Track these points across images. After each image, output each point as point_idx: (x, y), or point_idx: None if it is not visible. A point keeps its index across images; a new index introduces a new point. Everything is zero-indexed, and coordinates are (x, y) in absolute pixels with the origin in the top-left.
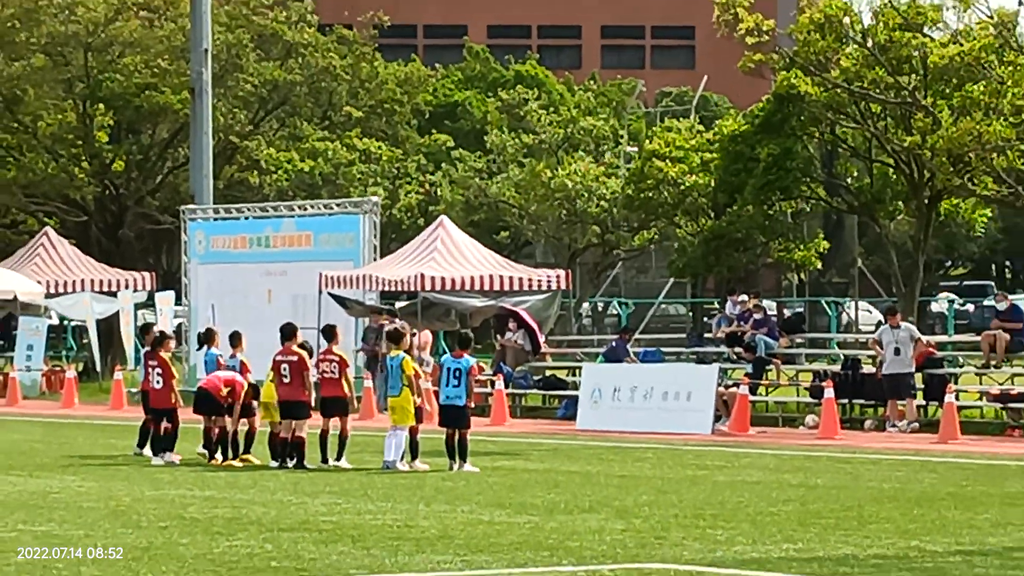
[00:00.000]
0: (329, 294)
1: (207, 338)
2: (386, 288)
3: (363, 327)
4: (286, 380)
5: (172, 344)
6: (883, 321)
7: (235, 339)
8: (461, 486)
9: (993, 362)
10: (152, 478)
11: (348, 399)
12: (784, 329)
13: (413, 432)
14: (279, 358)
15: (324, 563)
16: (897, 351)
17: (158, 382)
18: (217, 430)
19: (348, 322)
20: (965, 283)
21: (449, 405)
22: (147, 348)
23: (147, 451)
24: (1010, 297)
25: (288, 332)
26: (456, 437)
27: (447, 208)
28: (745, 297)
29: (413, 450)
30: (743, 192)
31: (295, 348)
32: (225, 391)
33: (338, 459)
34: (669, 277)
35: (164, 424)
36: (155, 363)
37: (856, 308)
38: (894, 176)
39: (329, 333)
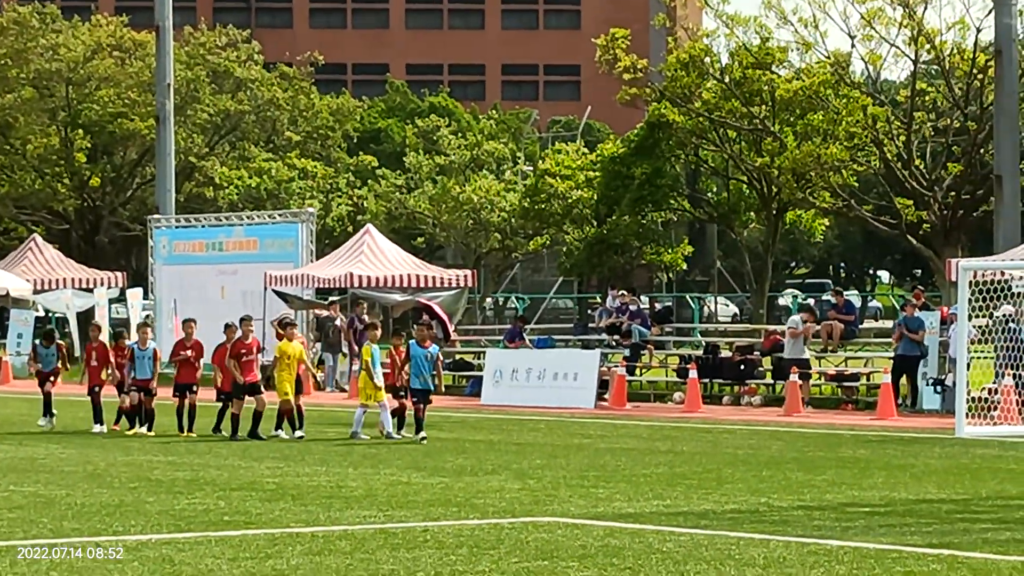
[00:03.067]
0: (273, 290)
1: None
2: (321, 285)
3: (312, 319)
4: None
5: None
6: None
7: (186, 324)
8: (384, 452)
9: (830, 347)
10: (123, 446)
11: (301, 380)
12: (655, 320)
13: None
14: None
15: (268, 517)
16: (804, 340)
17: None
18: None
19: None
20: (807, 281)
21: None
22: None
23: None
24: (844, 293)
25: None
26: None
27: (372, 218)
28: (623, 292)
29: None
30: (621, 204)
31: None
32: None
33: (299, 428)
34: (559, 276)
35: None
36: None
37: (715, 302)
38: (747, 191)
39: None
